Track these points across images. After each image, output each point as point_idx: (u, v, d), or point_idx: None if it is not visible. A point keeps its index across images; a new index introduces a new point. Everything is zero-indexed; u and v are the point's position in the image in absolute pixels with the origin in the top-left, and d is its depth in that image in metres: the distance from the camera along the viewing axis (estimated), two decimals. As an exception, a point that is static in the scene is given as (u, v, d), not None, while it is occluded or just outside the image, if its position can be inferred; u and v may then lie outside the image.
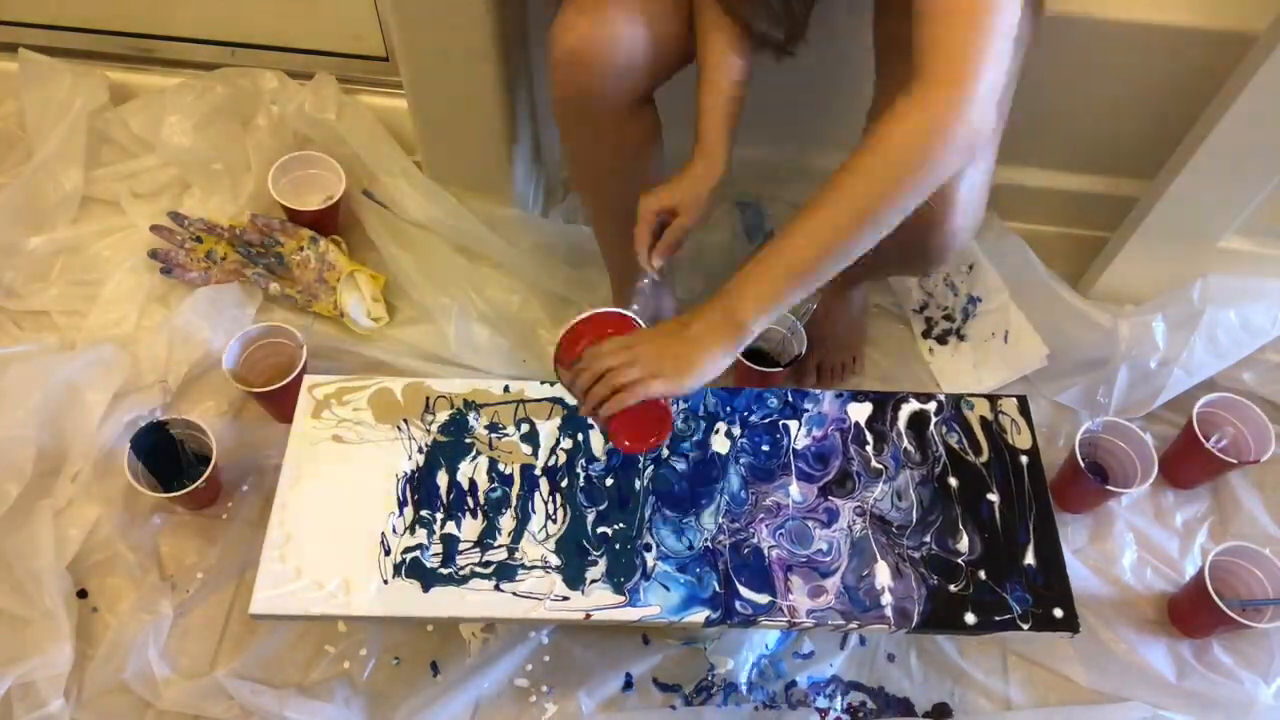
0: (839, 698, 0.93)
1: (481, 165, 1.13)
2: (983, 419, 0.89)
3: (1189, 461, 1.05)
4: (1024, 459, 0.86)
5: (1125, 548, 1.02)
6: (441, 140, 1.12)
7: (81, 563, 0.95)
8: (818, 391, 0.90)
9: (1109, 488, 0.98)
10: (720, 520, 0.82)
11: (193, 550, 0.98)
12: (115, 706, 0.89)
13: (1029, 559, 0.81)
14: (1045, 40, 0.88)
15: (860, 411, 0.89)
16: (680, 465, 0.85)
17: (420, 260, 1.14)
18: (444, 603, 0.77)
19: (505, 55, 0.98)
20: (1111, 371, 1.07)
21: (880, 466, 0.85)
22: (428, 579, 0.78)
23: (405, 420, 0.86)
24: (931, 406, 0.89)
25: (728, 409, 0.89)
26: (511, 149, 1.10)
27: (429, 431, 0.86)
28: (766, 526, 0.82)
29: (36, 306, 1.12)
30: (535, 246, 1.17)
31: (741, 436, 0.87)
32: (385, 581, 0.77)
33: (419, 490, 0.82)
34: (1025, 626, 0.77)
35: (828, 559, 0.80)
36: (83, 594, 0.94)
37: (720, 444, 0.86)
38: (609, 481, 0.84)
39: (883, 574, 0.79)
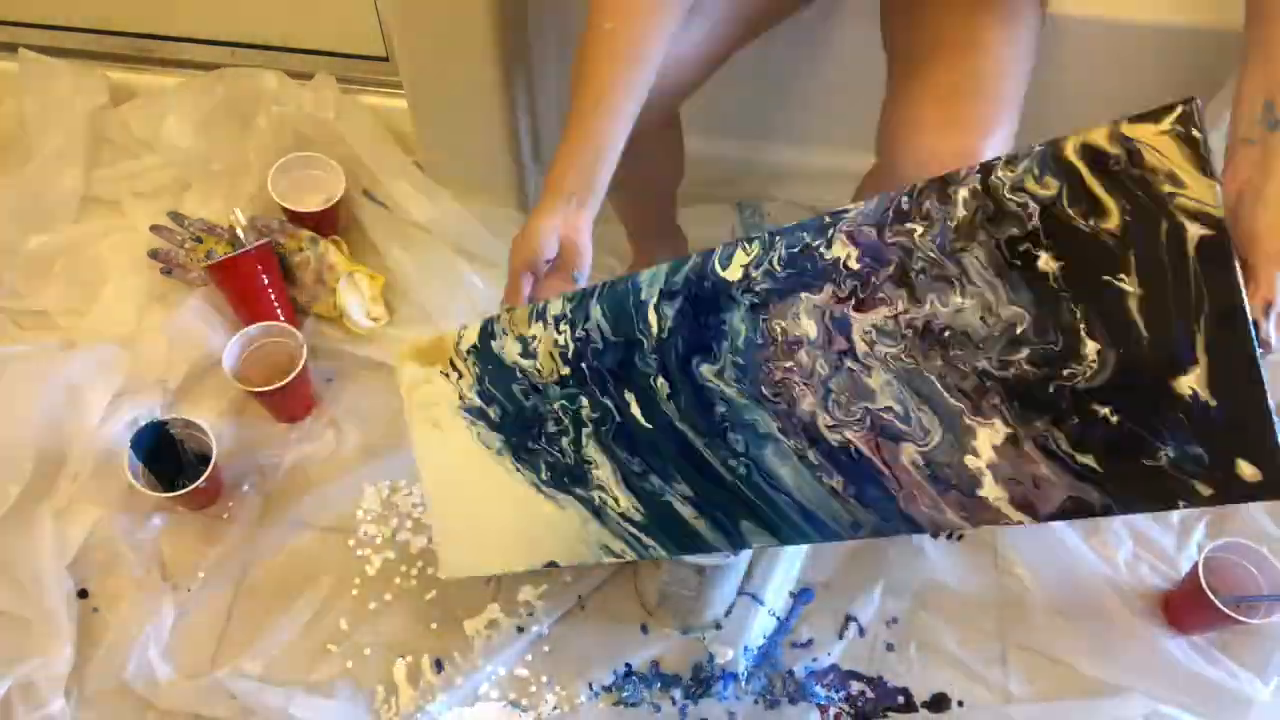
0: (839, 690, 0.93)
1: (481, 165, 1.13)
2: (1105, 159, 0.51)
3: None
4: (1193, 230, 0.49)
5: (1121, 544, 1.02)
6: (441, 140, 1.12)
7: (82, 563, 0.95)
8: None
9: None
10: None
11: (193, 550, 0.98)
12: (116, 706, 0.89)
13: (1192, 385, 0.50)
14: (1045, 40, 0.89)
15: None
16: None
17: (420, 261, 1.14)
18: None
19: (505, 55, 0.98)
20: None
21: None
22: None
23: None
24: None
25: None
26: (511, 148, 1.10)
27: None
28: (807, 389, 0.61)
29: (36, 306, 1.12)
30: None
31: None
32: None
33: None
34: (1205, 492, 0.50)
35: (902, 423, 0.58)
36: (83, 594, 0.94)
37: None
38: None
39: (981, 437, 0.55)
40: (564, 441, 0.76)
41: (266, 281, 1.08)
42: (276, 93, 1.19)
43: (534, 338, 0.78)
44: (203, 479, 0.93)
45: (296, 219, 1.14)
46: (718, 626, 0.95)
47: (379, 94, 1.19)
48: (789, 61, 1.09)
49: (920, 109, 0.79)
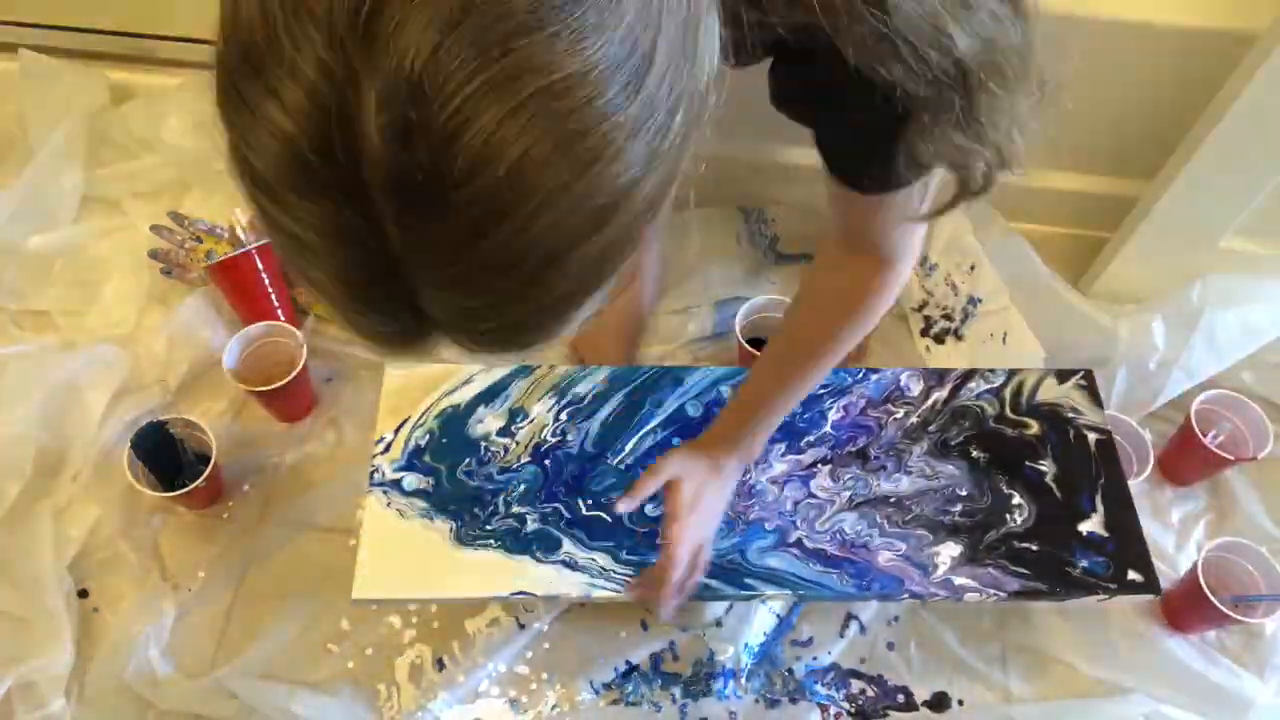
0: (839, 689, 0.93)
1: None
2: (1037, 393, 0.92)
3: (1186, 458, 1.05)
4: (1091, 436, 0.89)
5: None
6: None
7: (82, 563, 0.95)
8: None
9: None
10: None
11: (194, 550, 0.98)
12: (116, 706, 0.89)
13: (1094, 527, 0.84)
14: (1047, 39, 0.88)
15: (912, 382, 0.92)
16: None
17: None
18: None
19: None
20: (1111, 372, 1.07)
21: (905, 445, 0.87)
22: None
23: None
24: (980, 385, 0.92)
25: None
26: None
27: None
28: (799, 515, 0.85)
29: (36, 306, 1.12)
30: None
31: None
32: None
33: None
34: (1111, 587, 0.82)
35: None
36: (83, 594, 0.94)
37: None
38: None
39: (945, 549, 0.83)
40: (524, 524, 0.85)
41: (266, 281, 1.08)
42: (276, 92, 1.18)
43: (528, 417, 0.90)
44: (203, 478, 0.93)
45: (296, 219, 1.14)
46: (718, 624, 0.95)
47: (379, 94, 1.19)
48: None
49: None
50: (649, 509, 0.84)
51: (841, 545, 0.83)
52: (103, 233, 1.17)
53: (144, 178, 1.20)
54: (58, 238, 1.15)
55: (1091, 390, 0.92)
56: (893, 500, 0.85)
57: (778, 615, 0.97)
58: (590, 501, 0.86)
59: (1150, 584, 0.82)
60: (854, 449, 0.87)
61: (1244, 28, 0.92)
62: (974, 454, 0.87)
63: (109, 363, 1.03)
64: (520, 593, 0.82)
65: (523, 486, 0.86)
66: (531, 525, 0.84)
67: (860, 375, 0.91)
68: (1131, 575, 0.81)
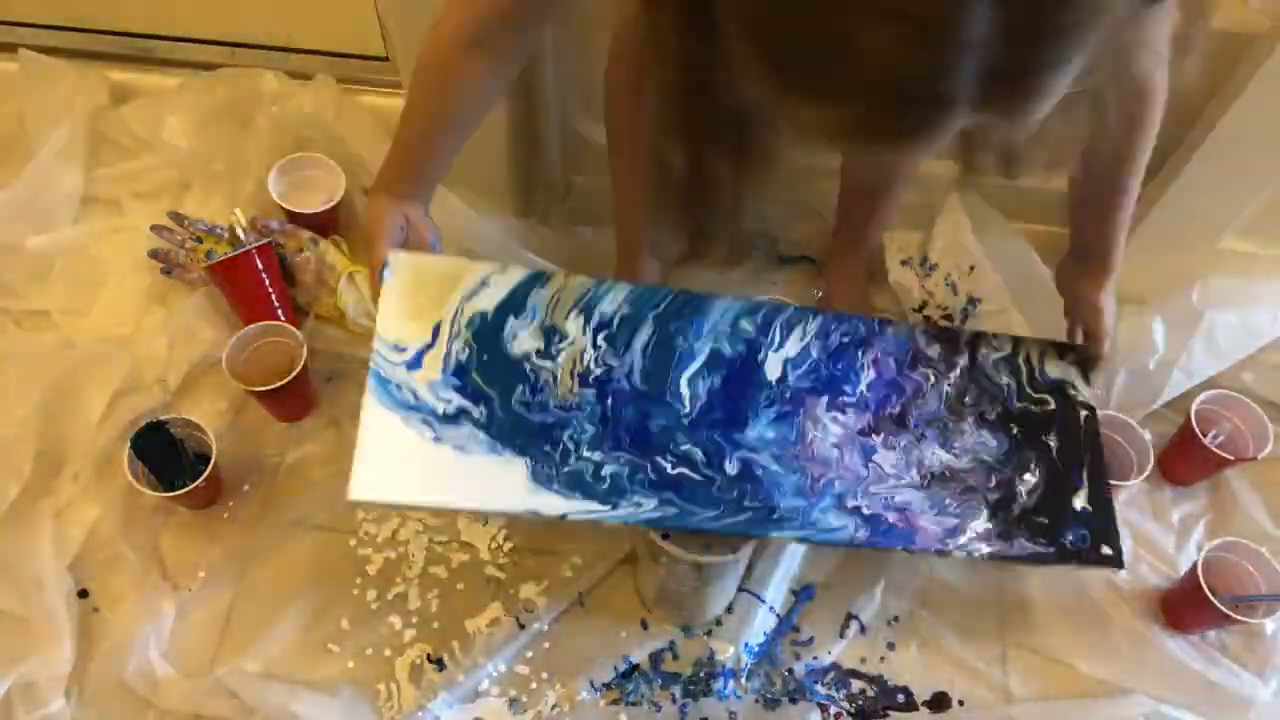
0: (839, 688, 0.93)
1: (482, 165, 1.13)
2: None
3: (1187, 458, 1.05)
4: (1083, 412, 0.90)
5: (1120, 542, 1.02)
6: (441, 140, 1.12)
7: (82, 562, 0.95)
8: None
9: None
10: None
11: (194, 549, 0.98)
12: (117, 706, 0.89)
13: (1081, 502, 0.85)
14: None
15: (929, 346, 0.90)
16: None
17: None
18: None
19: (506, 55, 0.98)
20: (1110, 372, 1.07)
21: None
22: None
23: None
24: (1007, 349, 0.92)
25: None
26: (512, 147, 1.10)
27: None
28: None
29: (36, 306, 1.12)
30: (535, 244, 1.17)
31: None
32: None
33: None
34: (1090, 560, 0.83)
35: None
36: (83, 594, 0.94)
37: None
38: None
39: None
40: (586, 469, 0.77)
41: (267, 281, 1.08)
42: (276, 93, 1.19)
43: (566, 337, 0.80)
44: (203, 478, 0.93)
45: (297, 220, 1.14)
46: (718, 623, 0.95)
47: (379, 94, 1.19)
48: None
49: None
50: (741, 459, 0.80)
51: (895, 512, 0.81)
52: (103, 233, 1.17)
53: (144, 178, 1.20)
54: (58, 238, 1.15)
55: (1081, 366, 0.94)
56: (948, 474, 0.84)
57: (778, 615, 0.97)
58: (673, 460, 0.78)
59: (1117, 558, 0.84)
60: (892, 412, 0.86)
61: (1244, 28, 0.92)
62: (1012, 429, 0.87)
63: (108, 362, 1.03)
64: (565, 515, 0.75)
65: (589, 429, 0.77)
66: (609, 473, 0.76)
67: (877, 326, 0.89)
68: (1104, 550, 0.84)
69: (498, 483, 0.75)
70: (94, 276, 1.13)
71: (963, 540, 0.81)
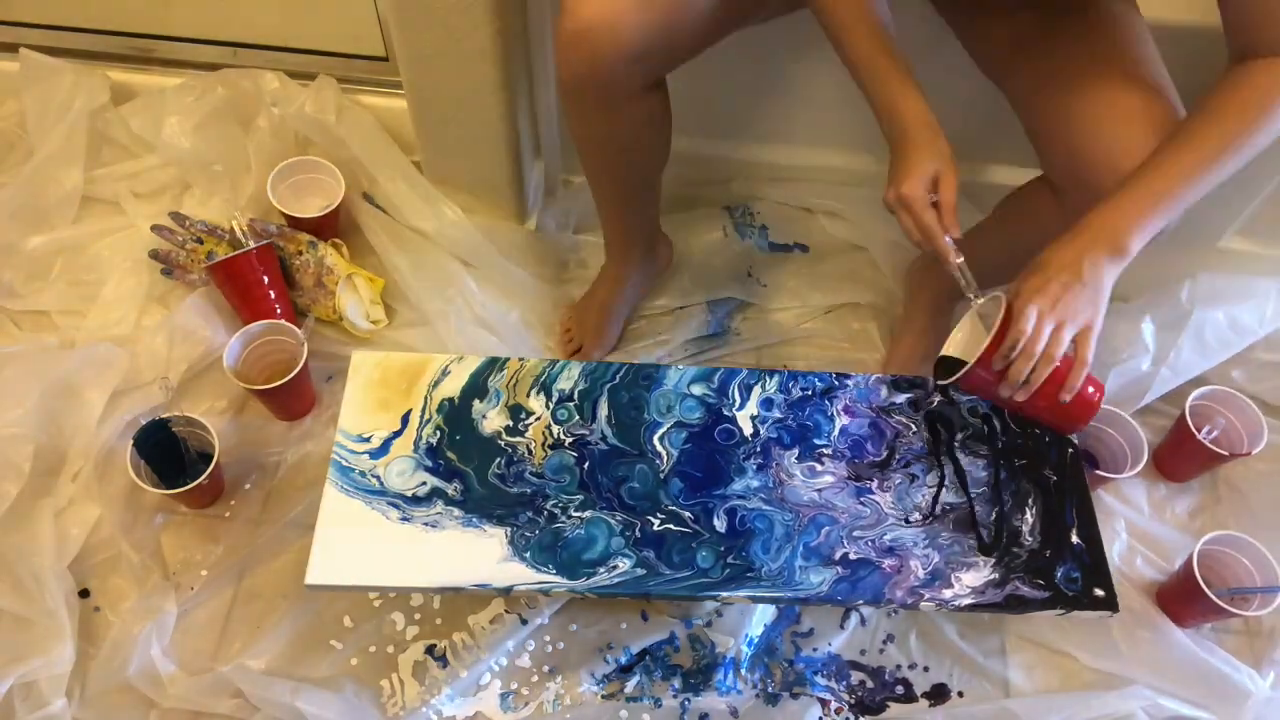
0: (840, 680, 0.94)
1: (481, 165, 1.13)
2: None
3: (1181, 454, 1.06)
4: (1068, 448, 0.88)
5: (1115, 536, 1.03)
6: (441, 140, 1.13)
7: (83, 562, 0.95)
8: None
9: (1099, 472, 0.99)
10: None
11: (195, 548, 0.98)
12: (118, 705, 0.89)
13: (1074, 539, 0.82)
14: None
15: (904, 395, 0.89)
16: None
17: (418, 263, 1.14)
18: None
19: (505, 55, 0.99)
20: (1102, 370, 1.09)
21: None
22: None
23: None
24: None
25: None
26: (511, 148, 1.11)
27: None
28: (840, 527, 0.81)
29: (36, 306, 1.12)
30: (532, 253, 1.18)
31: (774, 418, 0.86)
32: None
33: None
34: (1067, 608, 0.79)
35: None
36: (85, 593, 0.94)
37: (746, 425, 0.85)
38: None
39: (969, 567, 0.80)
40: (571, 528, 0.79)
41: (267, 282, 1.08)
42: (277, 94, 1.19)
43: (532, 414, 0.84)
44: (205, 476, 0.93)
45: (296, 224, 1.15)
46: (718, 615, 0.96)
47: (379, 94, 1.20)
48: (778, 62, 1.10)
49: (1101, 106, 0.81)
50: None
51: (884, 553, 0.80)
52: (103, 233, 1.17)
53: (144, 178, 1.20)
54: (58, 238, 1.15)
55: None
56: (942, 513, 0.83)
57: (778, 607, 0.97)
58: (661, 518, 0.80)
59: (1110, 600, 0.80)
60: (875, 460, 0.85)
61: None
62: (1001, 466, 0.86)
63: (108, 361, 1.03)
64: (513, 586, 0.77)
65: (574, 492, 0.81)
66: (595, 533, 0.79)
67: (837, 379, 0.89)
68: (1098, 591, 0.80)
69: (471, 555, 0.77)
70: (94, 276, 1.13)
71: (949, 593, 0.79)
